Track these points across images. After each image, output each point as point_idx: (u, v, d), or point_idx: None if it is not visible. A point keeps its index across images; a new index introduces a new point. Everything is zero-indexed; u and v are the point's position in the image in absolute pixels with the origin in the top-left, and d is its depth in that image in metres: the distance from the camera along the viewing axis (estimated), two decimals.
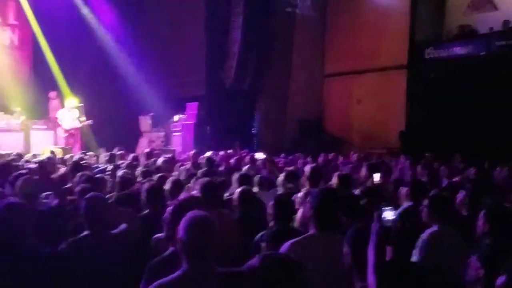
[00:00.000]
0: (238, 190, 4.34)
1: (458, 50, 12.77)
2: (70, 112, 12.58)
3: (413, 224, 3.88)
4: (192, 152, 9.49)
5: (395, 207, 3.82)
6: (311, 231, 2.78)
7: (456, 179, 6.22)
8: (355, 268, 2.18)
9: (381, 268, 2.01)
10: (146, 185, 4.37)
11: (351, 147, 13.18)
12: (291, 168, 6.59)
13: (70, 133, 12.58)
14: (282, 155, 10.19)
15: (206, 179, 4.11)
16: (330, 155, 9.40)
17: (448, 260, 3.30)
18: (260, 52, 14.65)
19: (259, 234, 3.53)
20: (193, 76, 14.92)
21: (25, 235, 2.72)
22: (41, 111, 13.54)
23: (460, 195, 4.33)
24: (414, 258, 3.35)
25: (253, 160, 8.47)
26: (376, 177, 4.89)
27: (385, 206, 2.15)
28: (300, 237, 2.79)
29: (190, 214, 2.37)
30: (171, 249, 2.74)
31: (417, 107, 13.31)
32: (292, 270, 1.70)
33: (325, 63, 16.09)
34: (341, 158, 9.63)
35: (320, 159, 8.92)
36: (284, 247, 2.68)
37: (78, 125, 12.65)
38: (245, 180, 5.06)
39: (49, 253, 2.87)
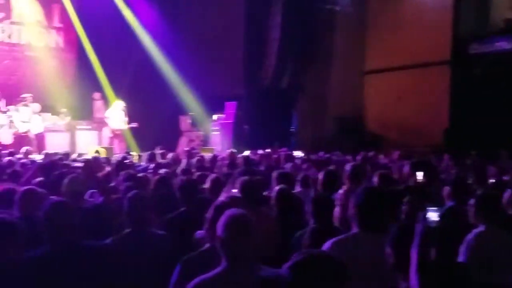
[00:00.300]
0: (276, 188, 4.34)
1: (504, 45, 12.34)
2: (118, 113, 12.94)
3: (456, 224, 3.78)
4: (229, 151, 9.56)
5: (440, 206, 3.73)
6: (354, 230, 2.75)
7: (505, 178, 6.01)
8: (398, 268, 2.15)
9: (425, 269, 1.98)
10: (179, 183, 4.40)
11: (392, 145, 12.96)
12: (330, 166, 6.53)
13: (116, 134, 12.94)
14: (321, 153, 10.12)
15: (245, 178, 4.13)
16: (370, 153, 9.27)
17: (496, 260, 3.20)
18: (299, 51, 14.60)
19: (298, 233, 3.53)
20: (232, 75, 15.01)
21: (72, 231, 2.81)
22: (86, 112, 13.95)
23: (507, 194, 4.19)
24: (460, 258, 3.27)
25: (291, 159, 8.45)
26: (419, 175, 4.79)
27: (429, 206, 2.12)
28: (342, 236, 2.76)
29: (229, 212, 2.40)
30: (207, 245, 2.78)
31: (461, 103, 12.95)
32: (333, 269, 1.69)
33: (365, 59, 15.87)
34: (381, 156, 9.47)
35: (360, 157, 8.81)
36: (326, 245, 2.66)
37: (125, 126, 13.00)
38: (284, 178, 5.05)
39: (98, 247, 2.97)
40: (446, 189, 4.55)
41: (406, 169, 5.58)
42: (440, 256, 2.15)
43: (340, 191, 4.12)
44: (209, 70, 15.19)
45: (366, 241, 2.65)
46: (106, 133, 13.06)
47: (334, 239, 2.70)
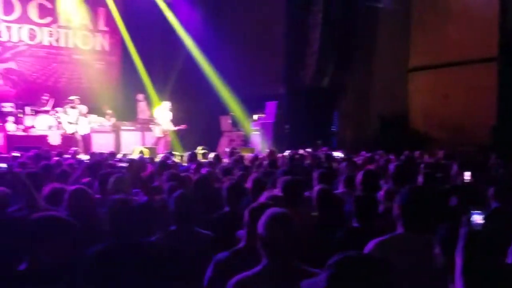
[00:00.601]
0: (317, 188, 4.32)
1: None
2: (165, 113, 13.22)
3: (502, 226, 3.64)
4: (268, 150, 9.56)
5: (486, 208, 3.61)
6: (399, 230, 2.70)
7: None
8: (448, 269, 2.09)
9: (469, 273, 1.92)
10: (226, 184, 4.45)
11: (437, 144, 12.62)
12: (371, 166, 6.44)
13: (163, 134, 13.23)
14: (363, 152, 9.98)
15: (287, 177, 4.13)
16: (416, 153, 9.07)
17: None
18: (340, 49, 14.45)
19: (339, 233, 3.50)
20: (272, 75, 15.02)
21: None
22: (130, 113, 14.29)
23: None
24: (509, 260, 3.15)
25: (331, 159, 8.37)
26: (467, 175, 4.65)
27: (474, 209, 2.05)
28: (386, 237, 2.72)
29: (270, 210, 2.41)
30: (242, 243, 2.80)
31: (509, 100, 12.46)
32: (376, 269, 1.66)
33: (409, 57, 15.51)
34: (426, 155, 9.25)
35: (404, 156, 8.63)
36: (369, 246, 2.62)
37: (173, 127, 13.26)
38: (325, 178, 5.01)
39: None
40: (491, 190, 4.40)
41: (454, 168, 5.43)
42: (486, 260, 2.08)
43: (381, 191, 4.05)
44: (249, 70, 15.25)
45: (411, 242, 2.60)
46: (154, 133, 13.34)
47: (377, 240, 2.65)
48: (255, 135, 14.44)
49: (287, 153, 9.70)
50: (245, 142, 14.65)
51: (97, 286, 2.75)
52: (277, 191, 4.04)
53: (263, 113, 14.43)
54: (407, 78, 15.62)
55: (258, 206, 2.85)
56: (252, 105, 14.67)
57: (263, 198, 3.62)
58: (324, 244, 3.55)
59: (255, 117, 14.57)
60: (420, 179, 4.61)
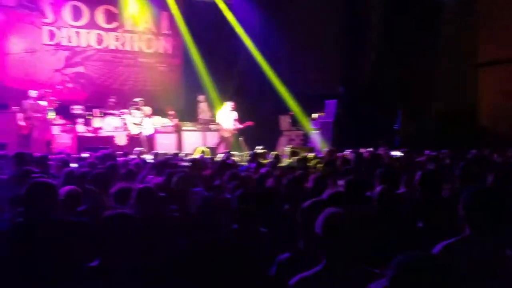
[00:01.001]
0: (378, 188, 4.24)
1: None
2: (228, 113, 13.44)
3: None
4: (326, 149, 9.46)
5: None
6: (466, 232, 2.60)
7: None
8: None
9: None
10: (284, 181, 4.46)
11: (507, 143, 11.99)
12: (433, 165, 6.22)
13: (227, 134, 13.45)
14: (426, 151, 9.66)
15: (350, 177, 4.08)
16: (483, 151, 8.67)
17: None
18: (402, 44, 14.06)
19: (399, 233, 3.42)
20: (332, 73, 14.86)
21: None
22: (191, 114, 14.61)
23: None
24: None
25: (390, 158, 8.17)
26: None
27: None
28: (452, 239, 2.62)
29: (327, 210, 2.40)
30: (301, 242, 2.80)
31: None
32: (438, 270, 1.62)
33: (476, 52, 14.85)
34: (495, 154, 8.82)
35: (471, 155, 8.28)
36: (436, 249, 2.55)
37: (239, 126, 13.45)
38: (386, 178, 4.90)
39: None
40: None
41: None
42: None
43: (446, 191, 3.91)
44: (309, 69, 15.18)
45: (479, 243, 2.49)
46: (218, 133, 13.58)
47: (445, 242, 2.57)
48: (314, 134, 14.35)
49: (347, 152, 9.57)
50: (305, 141, 14.59)
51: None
52: (338, 190, 4.00)
53: (322, 112, 14.32)
54: (475, 73, 14.94)
55: (312, 204, 2.84)
56: (311, 104, 14.59)
57: (325, 196, 3.60)
58: (384, 244, 3.48)
59: (315, 116, 14.48)
60: (489, 179, 4.41)
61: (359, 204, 3.87)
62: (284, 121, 14.92)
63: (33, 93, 11.91)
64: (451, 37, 14.28)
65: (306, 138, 14.68)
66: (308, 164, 7.39)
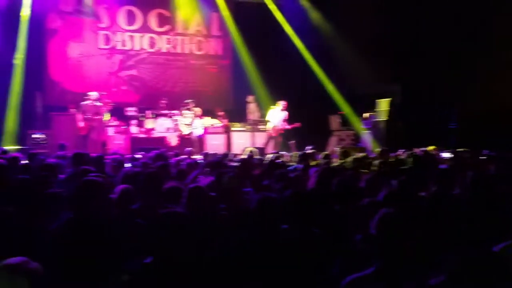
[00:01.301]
0: (432, 190, 4.11)
1: None
2: (278, 113, 13.48)
3: None
4: (380, 149, 9.26)
5: None
6: None
7: None
8: None
9: None
10: (335, 181, 4.39)
11: None
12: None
13: (276, 134, 13.48)
14: (485, 151, 9.26)
15: (403, 178, 3.99)
16: None
17: None
18: (458, 40, 13.56)
19: (452, 234, 3.30)
20: (385, 71, 14.52)
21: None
22: (241, 114, 14.72)
23: None
24: None
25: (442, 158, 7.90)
26: None
27: None
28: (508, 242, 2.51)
29: (383, 211, 2.38)
30: (361, 247, 2.75)
31: None
32: (496, 268, 1.57)
33: None
34: None
35: None
36: (497, 247, 2.46)
37: (287, 126, 13.47)
38: (439, 179, 4.74)
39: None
40: None
41: None
42: None
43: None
44: (360, 67, 14.91)
45: None
46: (266, 133, 13.63)
47: (506, 242, 2.47)
48: (365, 134, 14.10)
49: (400, 152, 9.34)
50: (355, 141, 14.37)
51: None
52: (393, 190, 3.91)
53: (374, 111, 14.06)
54: None
55: (367, 204, 2.80)
56: (363, 103, 14.36)
57: (380, 196, 3.54)
58: (438, 244, 3.38)
59: (366, 115, 14.24)
60: None
61: (413, 204, 3.77)
62: (334, 121, 14.76)
63: (92, 94, 12.33)
64: (508, 35, 13.61)
65: (357, 138, 14.46)
66: (361, 164, 7.26)
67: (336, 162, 8.30)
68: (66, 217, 3.26)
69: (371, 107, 14.13)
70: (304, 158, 8.46)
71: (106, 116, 12.64)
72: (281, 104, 13.49)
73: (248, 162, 7.26)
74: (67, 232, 3.12)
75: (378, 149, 10.14)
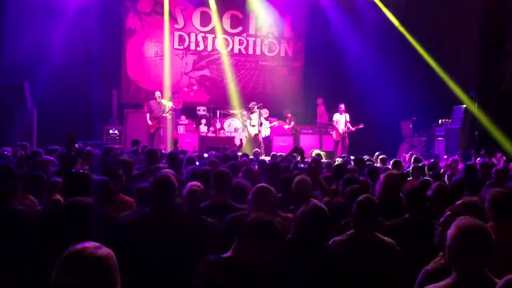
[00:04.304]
0: None
1: None
2: (342, 116, 13.31)
3: None
4: (451, 158, 8.86)
5: None
6: None
7: None
8: None
9: None
10: (406, 189, 4.24)
11: None
12: None
13: (342, 137, 13.31)
14: None
15: (496, 189, 3.77)
16: None
17: None
18: None
19: None
20: (464, 78, 13.86)
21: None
22: (310, 117, 14.63)
23: None
24: None
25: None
26: None
27: None
28: None
29: (461, 220, 2.29)
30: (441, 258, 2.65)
31: None
32: None
33: None
34: None
35: None
36: None
37: (351, 128, 13.29)
38: None
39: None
40: None
41: None
42: None
43: None
44: (434, 73, 14.37)
45: None
46: (335, 136, 13.49)
47: None
48: (439, 141, 13.57)
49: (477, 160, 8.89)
50: (427, 148, 13.87)
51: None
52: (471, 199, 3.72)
53: (448, 118, 13.50)
54: None
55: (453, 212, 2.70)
56: (437, 110, 13.84)
57: (456, 205, 3.37)
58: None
59: (440, 122, 13.70)
60: None
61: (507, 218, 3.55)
62: (406, 127, 14.32)
63: (157, 93, 12.76)
64: None
65: (428, 145, 13.95)
66: (430, 172, 6.98)
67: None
68: (142, 211, 3.39)
69: (447, 113, 13.58)
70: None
71: (168, 114, 12.91)
72: (341, 106, 13.29)
73: (316, 166, 7.17)
74: (142, 224, 3.23)
75: (450, 157, 9.68)
